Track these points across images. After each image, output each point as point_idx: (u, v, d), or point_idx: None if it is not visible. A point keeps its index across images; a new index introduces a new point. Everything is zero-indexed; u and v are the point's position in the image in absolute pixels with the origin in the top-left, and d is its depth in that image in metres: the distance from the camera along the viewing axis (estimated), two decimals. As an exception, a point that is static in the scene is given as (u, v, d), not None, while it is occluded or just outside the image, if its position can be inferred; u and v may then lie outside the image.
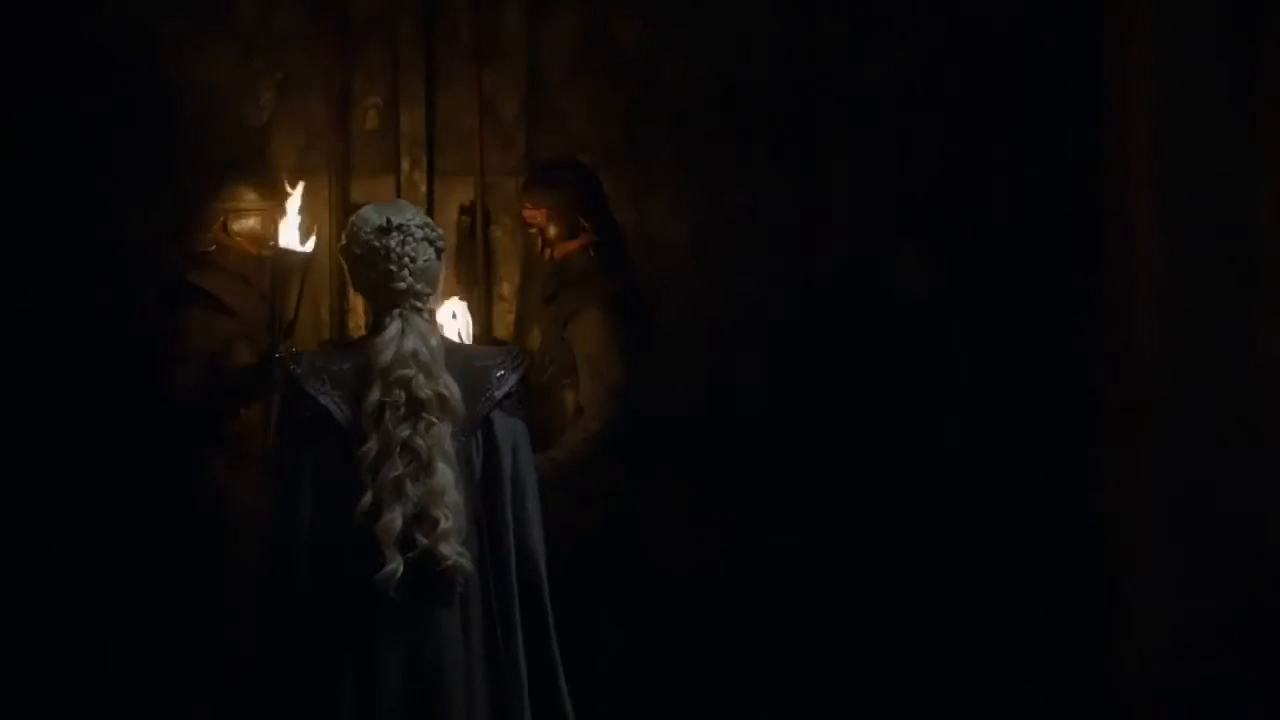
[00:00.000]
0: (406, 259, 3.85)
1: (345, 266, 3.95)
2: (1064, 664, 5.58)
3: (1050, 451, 5.63)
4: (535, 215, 5.44)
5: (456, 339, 4.85)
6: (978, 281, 5.70)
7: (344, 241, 3.95)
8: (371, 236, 3.87)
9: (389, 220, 3.87)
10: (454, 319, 4.99)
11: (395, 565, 3.71)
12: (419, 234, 3.88)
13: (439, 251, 3.92)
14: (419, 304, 3.86)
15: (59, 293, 5.72)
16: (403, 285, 3.84)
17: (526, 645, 3.87)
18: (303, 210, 5.30)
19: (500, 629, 3.84)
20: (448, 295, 5.47)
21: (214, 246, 5.44)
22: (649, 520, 5.41)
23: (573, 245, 5.41)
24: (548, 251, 5.44)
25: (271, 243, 5.25)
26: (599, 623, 5.27)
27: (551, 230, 5.42)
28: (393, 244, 3.85)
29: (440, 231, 3.94)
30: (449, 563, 3.74)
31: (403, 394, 3.76)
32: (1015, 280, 5.68)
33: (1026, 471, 5.65)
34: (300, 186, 5.30)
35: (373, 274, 3.88)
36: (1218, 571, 4.75)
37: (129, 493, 5.43)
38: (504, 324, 5.77)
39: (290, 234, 5.21)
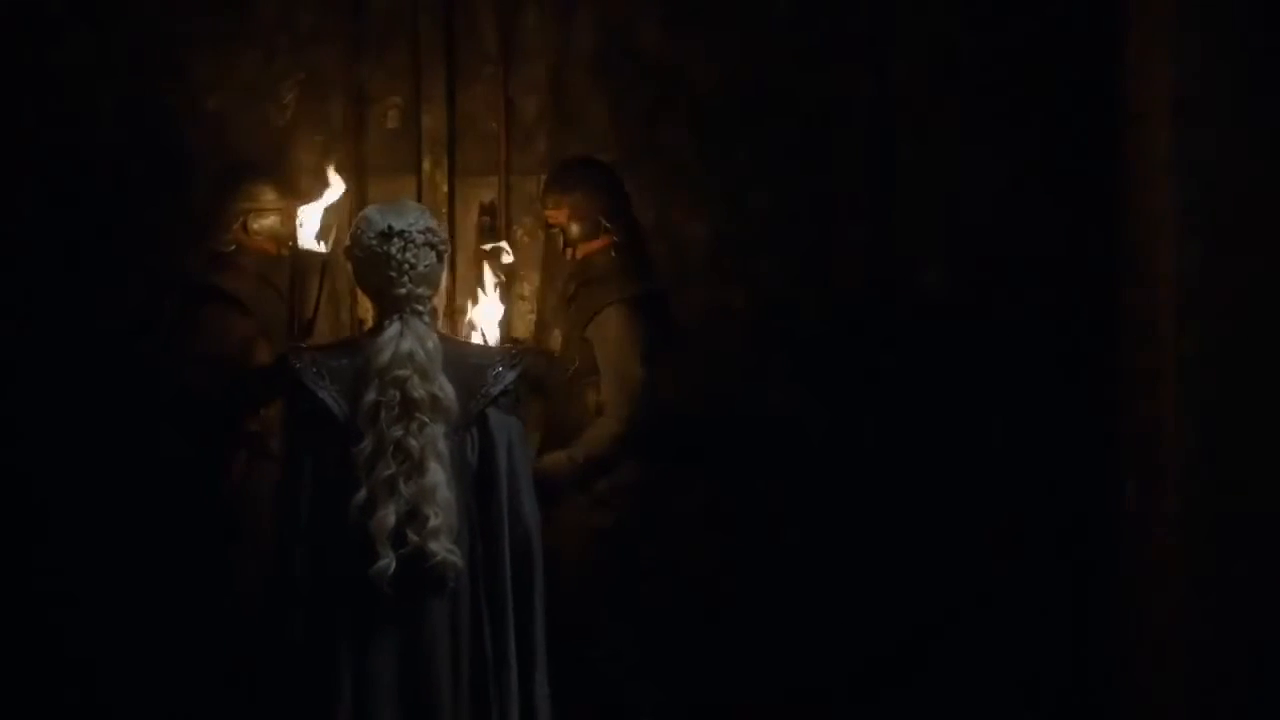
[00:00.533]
0: (407, 265, 3.97)
1: (349, 266, 4.07)
2: (1090, 666, 5.54)
3: (1075, 453, 5.59)
4: (557, 215, 5.46)
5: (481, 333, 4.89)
6: (999, 283, 5.67)
7: (347, 243, 4.08)
8: (374, 242, 3.99)
9: (390, 226, 3.98)
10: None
11: (388, 561, 3.85)
12: (420, 239, 3.99)
13: (440, 255, 4.03)
14: (419, 307, 3.98)
15: (79, 293, 5.74)
16: (402, 291, 3.97)
17: (515, 638, 3.99)
18: (324, 210, 5.28)
19: (491, 625, 3.96)
20: (471, 296, 5.50)
21: (234, 246, 5.46)
22: (669, 519, 5.39)
23: (594, 245, 5.42)
24: (569, 251, 5.45)
25: (291, 242, 5.23)
26: (617, 622, 5.25)
27: (573, 230, 5.43)
28: (394, 250, 3.97)
29: (443, 235, 4.06)
30: (438, 559, 3.88)
31: (397, 394, 3.89)
32: (1037, 282, 5.65)
33: (1051, 473, 5.62)
34: (337, 185, 5.27)
35: (374, 277, 4.01)
36: (1245, 573, 4.70)
37: (150, 492, 5.44)
38: (524, 323, 5.76)
39: (310, 233, 5.19)
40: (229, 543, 5.25)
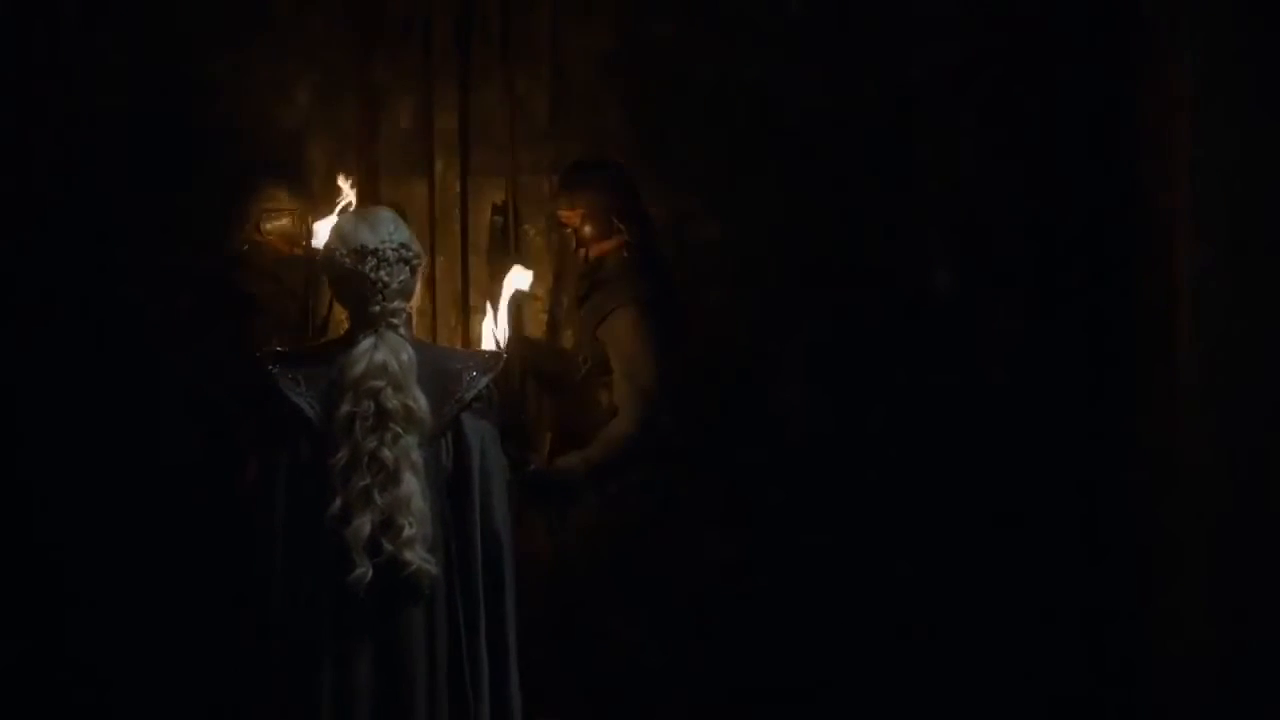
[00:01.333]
0: (380, 284, 4.05)
1: (325, 275, 4.16)
2: (1102, 665, 5.53)
3: (1086, 454, 5.58)
4: (570, 216, 5.48)
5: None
6: (1013, 281, 5.67)
7: (322, 255, 4.18)
8: (347, 260, 4.07)
9: (363, 245, 4.05)
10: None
11: (364, 570, 3.94)
12: (393, 256, 4.06)
13: (414, 269, 4.11)
14: (394, 320, 4.06)
15: (92, 293, 5.75)
16: (376, 310, 4.05)
17: (486, 634, 4.06)
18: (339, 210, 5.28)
19: (464, 627, 4.04)
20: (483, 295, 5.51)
21: (247, 246, 5.45)
22: (681, 520, 5.39)
23: (607, 245, 5.44)
24: (581, 252, 5.45)
25: (305, 242, 5.22)
26: (629, 623, 5.25)
27: (586, 231, 5.45)
28: (367, 270, 4.05)
29: (417, 247, 4.13)
30: (414, 568, 3.96)
31: (372, 405, 3.97)
32: (1051, 280, 5.66)
33: (1063, 472, 5.62)
34: (351, 189, 5.26)
35: (348, 294, 4.10)
36: (1258, 572, 4.70)
37: (161, 492, 5.44)
38: (537, 323, 5.76)
39: (324, 234, 5.17)
40: (245, 542, 5.24)
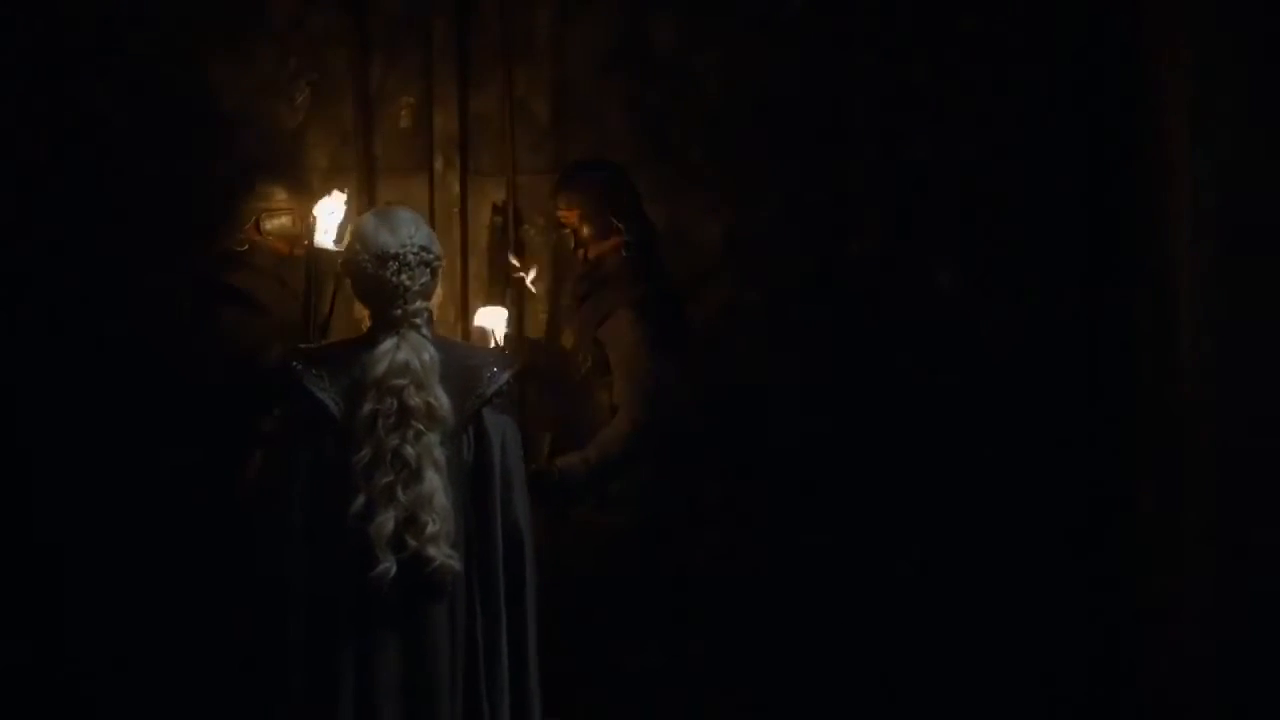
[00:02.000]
0: (402, 289, 4.12)
1: (347, 278, 4.22)
2: (1104, 671, 5.54)
3: (1088, 455, 5.59)
4: (568, 216, 5.50)
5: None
6: (1013, 283, 5.69)
7: (344, 257, 4.23)
8: (368, 264, 4.14)
9: (384, 250, 4.11)
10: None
11: (388, 565, 3.99)
12: (414, 260, 4.13)
13: (435, 271, 4.18)
14: (416, 320, 4.12)
15: (93, 293, 5.74)
16: (398, 313, 4.11)
17: (506, 631, 4.13)
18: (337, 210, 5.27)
19: (483, 619, 4.10)
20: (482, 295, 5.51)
21: (247, 246, 5.48)
22: (681, 519, 5.40)
23: (606, 245, 5.46)
24: (581, 252, 5.46)
25: (306, 241, 5.23)
26: (629, 622, 5.25)
27: (584, 230, 5.47)
28: (389, 274, 4.12)
29: (437, 249, 4.19)
30: (437, 564, 4.01)
31: (394, 403, 4.03)
32: (1050, 283, 5.66)
33: (1063, 475, 5.62)
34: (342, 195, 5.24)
35: (370, 296, 4.16)
36: (1258, 573, 4.69)
37: (164, 491, 5.44)
38: (537, 324, 5.76)
39: (323, 233, 5.18)
40: (247, 541, 5.24)
